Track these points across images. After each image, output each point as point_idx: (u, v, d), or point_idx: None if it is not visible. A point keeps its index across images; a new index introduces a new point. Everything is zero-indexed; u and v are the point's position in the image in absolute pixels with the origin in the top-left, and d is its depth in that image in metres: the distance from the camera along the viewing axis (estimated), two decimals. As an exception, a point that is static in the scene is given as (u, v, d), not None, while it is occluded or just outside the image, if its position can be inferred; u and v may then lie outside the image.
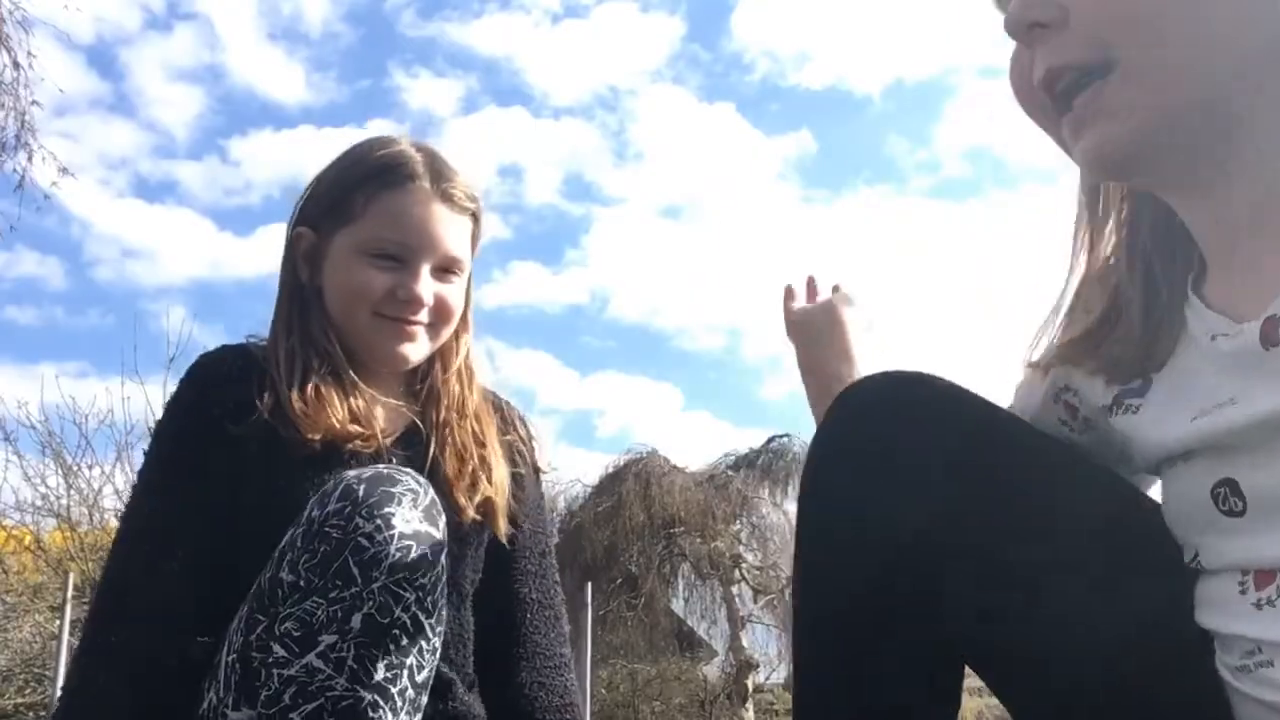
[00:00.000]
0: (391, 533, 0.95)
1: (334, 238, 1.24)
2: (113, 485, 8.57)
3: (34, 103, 6.85)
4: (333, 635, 0.93)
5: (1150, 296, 0.75)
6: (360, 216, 1.22)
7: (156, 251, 23.84)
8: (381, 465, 1.06)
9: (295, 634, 0.93)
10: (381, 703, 0.94)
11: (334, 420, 1.16)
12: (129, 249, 24.93)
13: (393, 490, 0.98)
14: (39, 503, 8.45)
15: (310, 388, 1.17)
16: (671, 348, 24.02)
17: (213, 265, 23.21)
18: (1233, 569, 0.65)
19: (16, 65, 6.73)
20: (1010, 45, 0.72)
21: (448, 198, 1.24)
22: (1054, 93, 0.67)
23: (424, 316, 1.23)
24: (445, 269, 1.25)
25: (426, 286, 1.22)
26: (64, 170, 7.04)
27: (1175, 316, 0.73)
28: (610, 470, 14.00)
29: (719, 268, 24.34)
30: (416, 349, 1.24)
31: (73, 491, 8.51)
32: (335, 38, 22.86)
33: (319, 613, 0.93)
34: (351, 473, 1.00)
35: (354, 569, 0.94)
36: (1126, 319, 0.76)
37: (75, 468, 8.56)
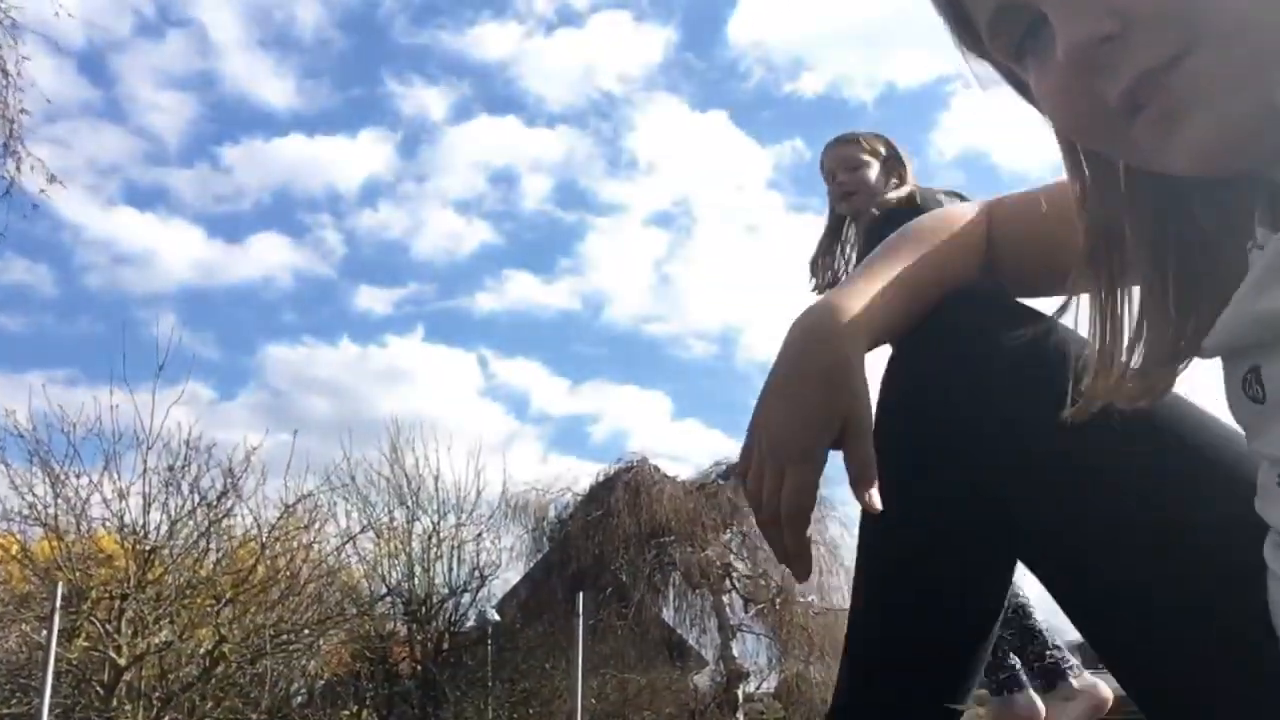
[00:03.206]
0: None
1: None
2: (100, 494, 8.53)
3: (23, 110, 6.85)
4: None
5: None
6: None
7: (147, 258, 23.74)
8: None
9: None
10: None
11: None
12: (119, 256, 24.86)
13: None
14: (26, 512, 8.39)
15: None
16: (662, 355, 24.05)
17: (203, 272, 23.14)
18: (1269, 459, 0.66)
19: (5, 73, 6.74)
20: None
21: None
22: (1130, 105, 0.60)
23: None
24: None
25: None
26: (53, 178, 7.04)
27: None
28: (600, 479, 13.97)
29: (710, 275, 24.35)
30: None
31: (60, 500, 8.44)
32: (327, 45, 22.88)
33: None
34: None
35: None
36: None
37: (63, 476, 8.51)
